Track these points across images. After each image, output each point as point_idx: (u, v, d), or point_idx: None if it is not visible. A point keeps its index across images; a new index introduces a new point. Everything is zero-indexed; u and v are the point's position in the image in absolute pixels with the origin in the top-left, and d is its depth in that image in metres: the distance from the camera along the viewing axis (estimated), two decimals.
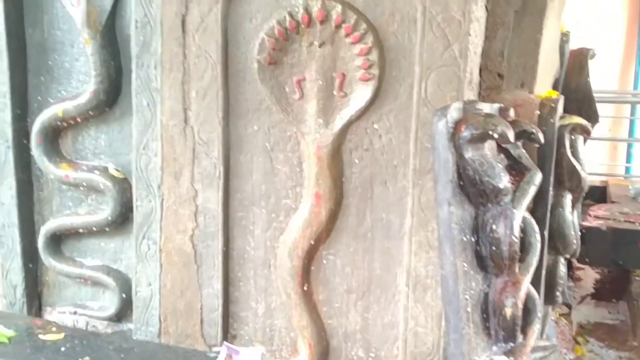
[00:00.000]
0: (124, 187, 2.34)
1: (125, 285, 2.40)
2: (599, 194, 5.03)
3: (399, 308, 2.09)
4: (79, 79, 2.39)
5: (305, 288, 2.17)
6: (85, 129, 2.41)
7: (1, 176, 2.46)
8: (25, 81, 2.44)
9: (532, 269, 1.83)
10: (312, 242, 2.13)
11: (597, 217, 4.16)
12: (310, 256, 2.16)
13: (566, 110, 2.27)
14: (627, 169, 7.29)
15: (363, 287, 2.14)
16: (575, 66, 2.75)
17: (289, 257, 2.16)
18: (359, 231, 2.11)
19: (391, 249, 2.09)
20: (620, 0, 7.73)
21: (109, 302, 2.45)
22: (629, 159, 7.65)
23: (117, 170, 2.37)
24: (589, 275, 4.82)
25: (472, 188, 1.75)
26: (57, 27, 2.38)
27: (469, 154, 1.71)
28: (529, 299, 1.81)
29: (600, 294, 4.56)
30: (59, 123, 2.38)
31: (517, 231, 1.75)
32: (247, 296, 2.26)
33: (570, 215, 2.24)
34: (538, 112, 2.09)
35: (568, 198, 2.24)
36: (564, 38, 2.66)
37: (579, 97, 2.70)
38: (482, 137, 1.72)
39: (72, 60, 2.39)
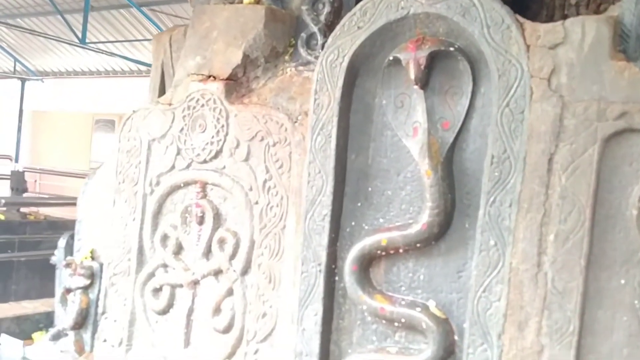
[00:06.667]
0: (446, 329, 2.15)
1: None
2: None
3: None
4: (400, 208, 2.31)
5: None
6: (402, 261, 2.29)
7: (308, 300, 2.37)
8: (341, 206, 2.40)
9: None
10: None
11: None
12: None
13: None
14: None
15: None
16: None
17: None
18: None
19: None
20: None
21: None
22: None
23: (438, 309, 2.19)
24: None
25: None
26: (383, 155, 2.35)
27: None
28: None
29: None
30: (378, 252, 2.28)
31: None
32: None
33: None
34: None
35: None
36: None
37: None
38: None
39: (396, 189, 2.32)
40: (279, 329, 2.53)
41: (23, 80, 18.60)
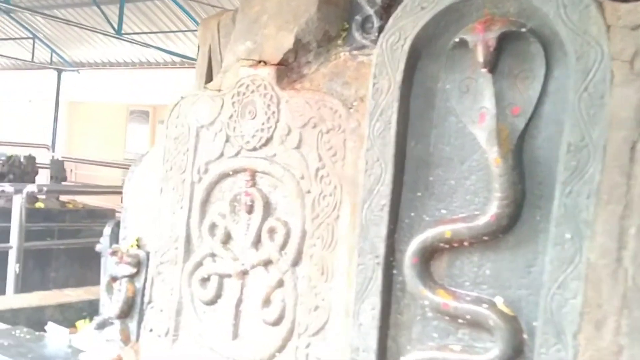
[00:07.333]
0: (515, 327, 2.04)
1: None
2: None
3: None
4: (465, 199, 2.19)
5: None
6: (466, 254, 2.17)
7: (365, 293, 2.27)
8: (400, 195, 2.30)
9: None
10: None
11: None
12: None
13: None
14: None
15: None
16: None
17: None
18: None
19: None
20: None
21: None
22: None
23: (506, 306, 2.08)
24: None
25: None
26: (446, 142, 2.24)
27: None
28: None
29: None
30: (441, 244, 2.17)
31: None
32: None
33: None
34: None
35: None
36: None
37: None
38: None
39: (459, 178, 2.21)
40: (332, 323, 2.44)
41: (59, 71, 18.89)
